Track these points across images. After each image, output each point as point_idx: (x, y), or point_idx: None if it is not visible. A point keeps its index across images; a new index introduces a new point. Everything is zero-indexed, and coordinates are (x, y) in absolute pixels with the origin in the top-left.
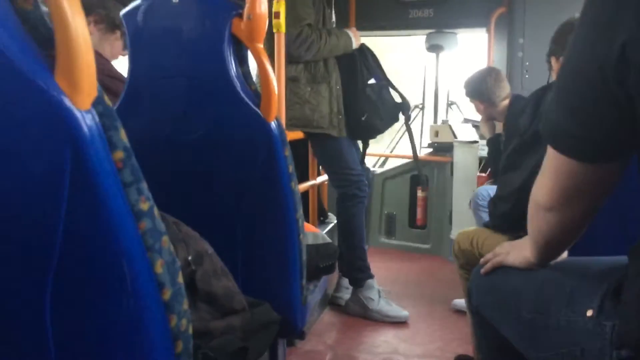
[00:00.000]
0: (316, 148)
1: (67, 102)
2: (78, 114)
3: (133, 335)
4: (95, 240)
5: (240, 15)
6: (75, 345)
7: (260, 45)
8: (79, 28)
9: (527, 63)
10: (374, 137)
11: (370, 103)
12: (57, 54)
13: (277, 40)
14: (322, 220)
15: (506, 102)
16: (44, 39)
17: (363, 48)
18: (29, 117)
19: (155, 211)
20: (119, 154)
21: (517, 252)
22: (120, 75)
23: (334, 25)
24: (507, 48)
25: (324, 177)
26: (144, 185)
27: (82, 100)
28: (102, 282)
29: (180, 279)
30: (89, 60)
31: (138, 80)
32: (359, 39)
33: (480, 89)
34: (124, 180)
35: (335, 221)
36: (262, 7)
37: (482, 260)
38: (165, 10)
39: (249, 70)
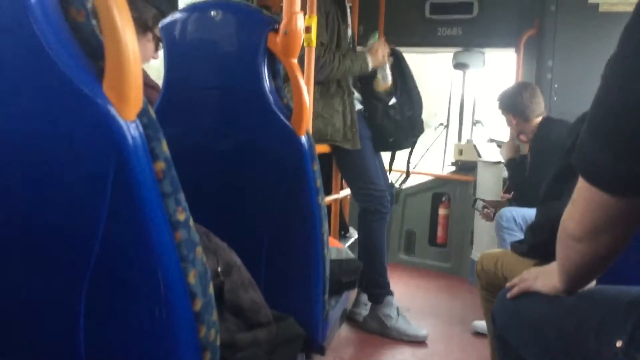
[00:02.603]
0: (340, 162)
1: (114, 112)
2: (123, 124)
3: (163, 344)
4: (133, 248)
5: (276, 30)
6: (105, 351)
7: (295, 61)
8: (128, 41)
9: (556, 86)
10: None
11: (394, 124)
12: (106, 65)
13: (307, 54)
14: (342, 235)
15: (539, 119)
16: (94, 50)
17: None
18: (76, 124)
19: (191, 222)
20: (160, 165)
21: (545, 278)
22: (155, 83)
23: (351, 41)
24: (536, 69)
25: (346, 192)
26: (182, 196)
27: (128, 110)
28: (135, 289)
29: (211, 290)
30: (137, 72)
31: (173, 90)
32: (377, 57)
33: (514, 103)
34: (164, 190)
35: (356, 236)
36: (299, 23)
37: (508, 284)
38: (203, 22)
39: (281, 85)
